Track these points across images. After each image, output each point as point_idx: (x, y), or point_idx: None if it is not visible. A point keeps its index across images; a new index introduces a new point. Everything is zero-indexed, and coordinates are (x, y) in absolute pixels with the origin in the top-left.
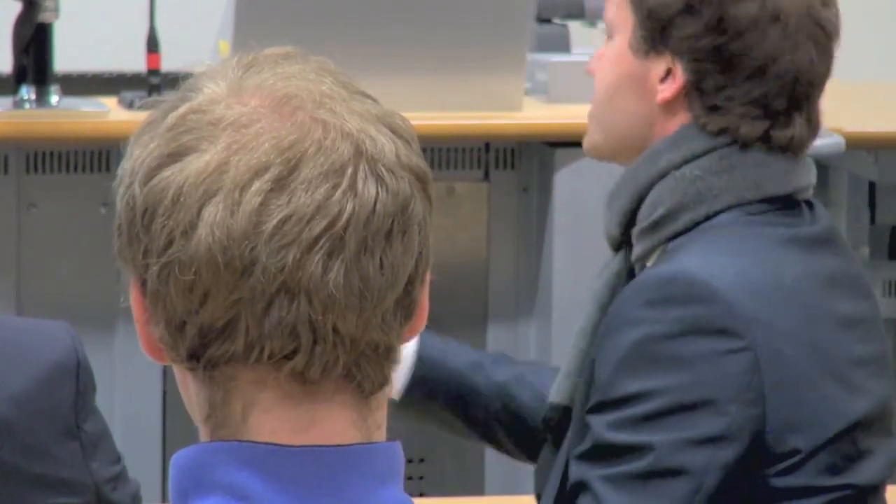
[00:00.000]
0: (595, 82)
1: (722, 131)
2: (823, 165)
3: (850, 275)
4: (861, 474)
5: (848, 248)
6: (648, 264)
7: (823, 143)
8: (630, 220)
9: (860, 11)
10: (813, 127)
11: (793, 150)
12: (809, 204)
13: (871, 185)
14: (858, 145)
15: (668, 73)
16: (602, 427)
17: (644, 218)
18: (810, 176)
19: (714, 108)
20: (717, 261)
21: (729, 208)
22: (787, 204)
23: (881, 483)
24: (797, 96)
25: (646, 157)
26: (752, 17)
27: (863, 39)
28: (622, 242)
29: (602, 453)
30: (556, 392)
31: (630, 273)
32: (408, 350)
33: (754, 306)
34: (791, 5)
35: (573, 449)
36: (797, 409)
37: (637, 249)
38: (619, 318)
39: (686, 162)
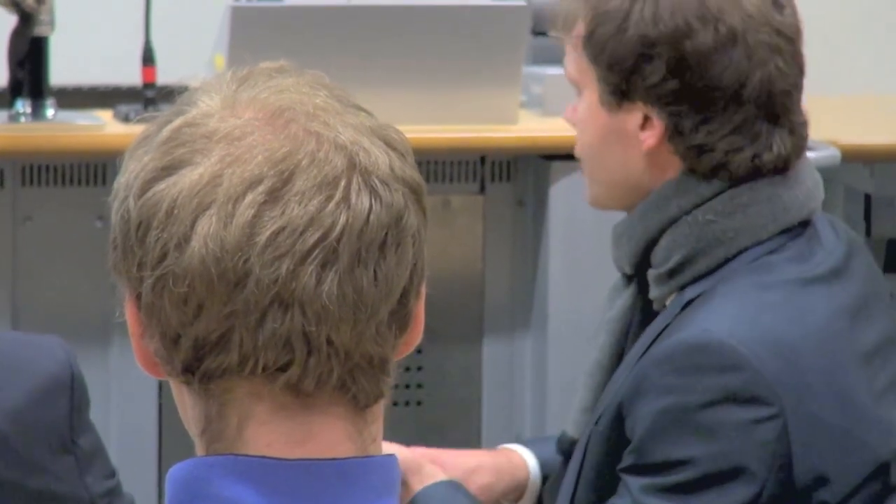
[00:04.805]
0: (577, 139)
1: (714, 170)
2: None
3: (870, 295)
4: None
5: (863, 258)
6: (667, 304)
7: (819, 155)
8: (642, 259)
9: (857, 24)
10: (797, 135)
11: (787, 167)
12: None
13: (867, 198)
14: (854, 158)
15: (646, 119)
16: (637, 489)
17: (660, 263)
18: (819, 193)
19: (700, 148)
20: (743, 322)
21: (746, 249)
22: (802, 229)
23: None
24: (776, 111)
25: (654, 202)
26: (709, 47)
27: (859, 52)
28: (634, 276)
29: None
30: (574, 425)
31: (645, 308)
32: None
33: (782, 367)
34: (744, 22)
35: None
36: (827, 464)
37: (654, 292)
38: (648, 383)
39: (696, 206)
